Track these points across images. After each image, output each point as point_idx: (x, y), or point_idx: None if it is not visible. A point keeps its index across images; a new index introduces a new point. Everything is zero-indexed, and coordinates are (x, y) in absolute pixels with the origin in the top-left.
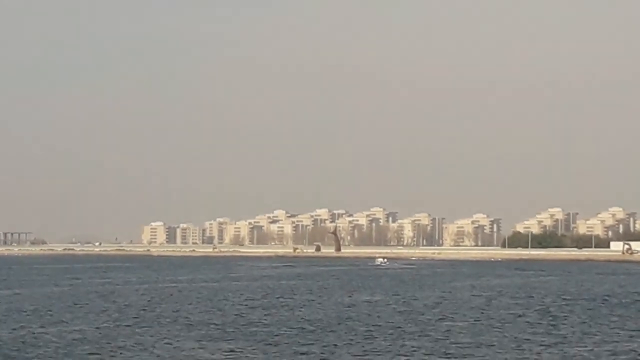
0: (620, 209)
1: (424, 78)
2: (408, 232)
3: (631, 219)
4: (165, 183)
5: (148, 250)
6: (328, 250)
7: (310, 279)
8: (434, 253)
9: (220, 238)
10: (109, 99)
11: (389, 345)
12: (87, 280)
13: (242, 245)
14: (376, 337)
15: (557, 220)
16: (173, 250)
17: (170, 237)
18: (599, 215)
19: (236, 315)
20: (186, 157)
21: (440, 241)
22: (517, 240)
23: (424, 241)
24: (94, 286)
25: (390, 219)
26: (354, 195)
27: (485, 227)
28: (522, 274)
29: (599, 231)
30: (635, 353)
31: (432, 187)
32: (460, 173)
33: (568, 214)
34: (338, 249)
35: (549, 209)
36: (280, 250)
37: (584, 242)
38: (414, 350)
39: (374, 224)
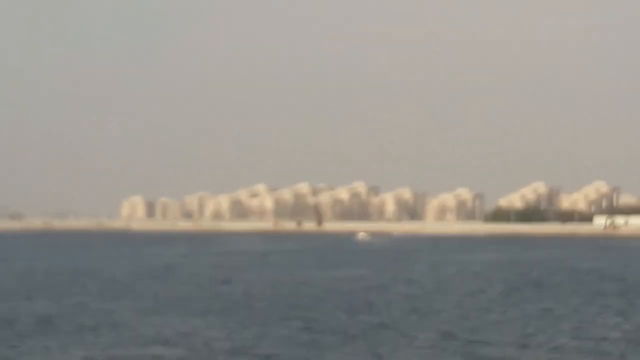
0: (604, 183)
1: (407, 54)
2: (390, 206)
3: (615, 193)
4: (144, 156)
5: (127, 225)
6: (309, 225)
7: (292, 254)
8: (416, 228)
9: (201, 212)
10: (87, 69)
11: (371, 323)
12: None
13: (222, 219)
14: (358, 313)
15: (540, 195)
16: (153, 225)
17: (150, 211)
18: (583, 190)
19: (217, 290)
20: (164, 130)
21: (423, 216)
22: (500, 215)
23: (406, 216)
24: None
25: (373, 193)
26: (336, 169)
27: (467, 202)
28: (508, 249)
29: (582, 205)
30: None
31: (415, 162)
32: (442, 147)
33: (551, 188)
34: (319, 224)
35: (532, 183)
36: (261, 225)
37: (567, 216)
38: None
39: (355, 198)
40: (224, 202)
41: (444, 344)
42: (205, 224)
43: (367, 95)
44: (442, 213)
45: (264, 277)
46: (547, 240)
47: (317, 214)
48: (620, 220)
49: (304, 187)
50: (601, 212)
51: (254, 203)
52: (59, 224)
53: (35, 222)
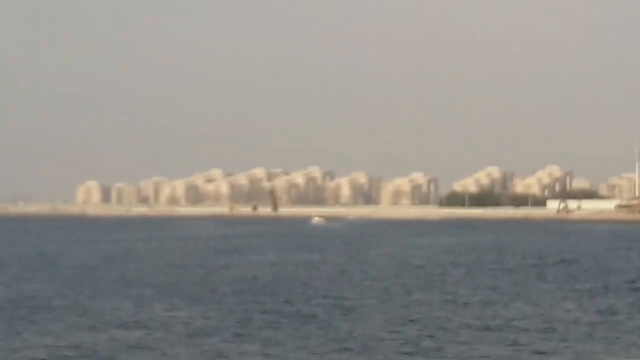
0: (557, 168)
1: (364, 37)
2: (345, 190)
3: (568, 177)
4: (99, 142)
5: (83, 210)
6: (265, 210)
7: (248, 238)
8: (371, 212)
9: (156, 197)
10: (41, 55)
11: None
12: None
13: (178, 204)
14: (314, 296)
15: (494, 179)
16: (108, 210)
17: (105, 196)
18: (536, 174)
19: (176, 275)
20: (119, 114)
21: (378, 200)
22: (454, 199)
23: (361, 200)
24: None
25: (328, 177)
26: (291, 154)
27: (422, 186)
28: (462, 233)
29: (535, 190)
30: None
31: (370, 146)
32: (397, 132)
33: (505, 173)
34: (275, 208)
35: (486, 168)
36: (217, 210)
37: (520, 200)
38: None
39: (311, 183)
40: (179, 187)
41: (403, 328)
42: (161, 209)
43: (321, 82)
44: (397, 197)
45: (221, 261)
46: (501, 224)
47: (273, 199)
48: (573, 204)
49: (259, 172)
50: (554, 196)
51: (210, 188)
52: (13, 209)
53: None
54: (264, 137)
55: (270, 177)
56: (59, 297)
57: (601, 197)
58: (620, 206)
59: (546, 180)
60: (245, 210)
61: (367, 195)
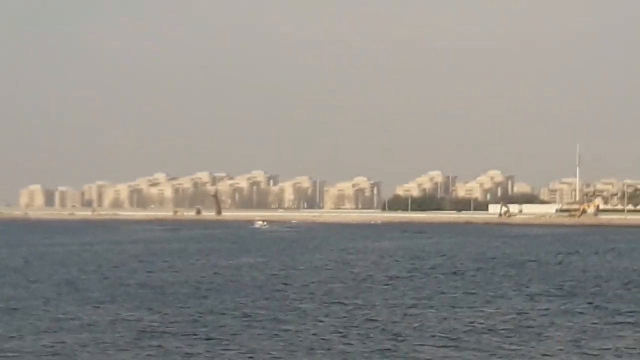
0: (499, 173)
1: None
2: (289, 195)
3: (509, 182)
4: (43, 146)
5: (26, 213)
6: (209, 214)
7: (192, 242)
8: (314, 216)
9: (100, 201)
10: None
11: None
12: None
13: (122, 208)
14: (258, 299)
15: (437, 184)
16: (52, 214)
17: (49, 200)
18: (478, 179)
19: (117, 277)
20: (64, 118)
21: (321, 204)
22: (397, 203)
23: (305, 204)
24: None
25: (272, 182)
26: (235, 158)
27: (365, 191)
28: (406, 237)
29: (478, 194)
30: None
31: (313, 151)
32: (340, 137)
33: (448, 178)
34: (219, 213)
35: (429, 172)
36: (161, 214)
37: (463, 205)
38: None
39: (255, 187)
40: (123, 191)
41: (346, 331)
42: (105, 212)
43: (263, 87)
44: (340, 202)
45: (164, 264)
46: (444, 228)
47: (217, 203)
48: (514, 208)
49: (203, 176)
50: (496, 200)
51: (154, 192)
52: None
53: None
54: (208, 142)
55: (215, 181)
56: (3, 300)
57: (542, 202)
58: (561, 211)
59: (488, 185)
60: (189, 214)
61: (310, 200)
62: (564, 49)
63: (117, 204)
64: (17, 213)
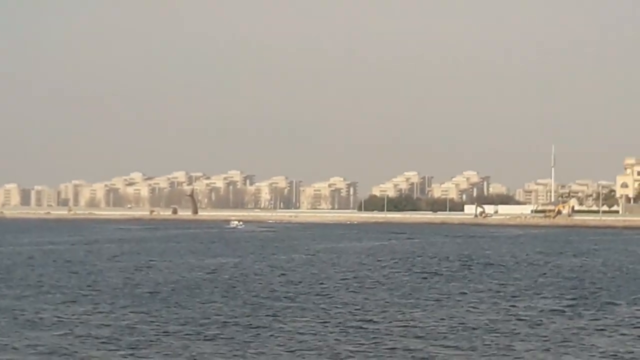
0: (475, 173)
1: (280, 40)
2: (265, 195)
3: (485, 183)
4: (19, 145)
5: (1, 212)
6: (185, 213)
7: (168, 241)
8: (290, 216)
9: (76, 200)
10: None
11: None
12: None
13: (98, 207)
14: (234, 298)
15: (412, 184)
16: (27, 213)
17: (25, 199)
18: (454, 179)
19: (95, 277)
20: (41, 116)
21: (298, 204)
22: (373, 203)
23: (281, 204)
24: None
25: (248, 181)
26: (211, 158)
27: (342, 191)
28: (381, 237)
29: (453, 194)
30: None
31: (289, 151)
32: (316, 136)
33: (424, 178)
34: (195, 212)
35: (405, 173)
36: (137, 213)
37: (439, 205)
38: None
39: (231, 187)
40: (99, 190)
41: (323, 329)
42: (81, 212)
43: (239, 85)
44: (316, 201)
45: (139, 263)
46: (420, 228)
47: (193, 202)
48: (490, 209)
49: (179, 176)
50: (472, 201)
51: (130, 191)
52: None
53: None
54: (184, 141)
55: (191, 180)
56: None
57: (517, 203)
58: (536, 211)
59: (464, 185)
60: (165, 213)
61: (287, 200)
62: (539, 53)
63: (93, 203)
64: None
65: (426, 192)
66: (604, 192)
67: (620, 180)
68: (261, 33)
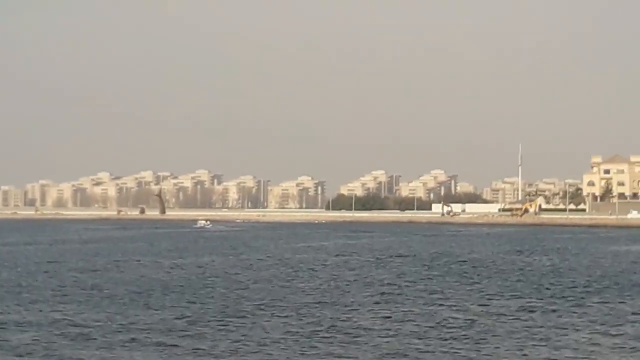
0: (442, 172)
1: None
2: (233, 194)
3: (452, 182)
4: None
5: None
6: (153, 213)
7: (136, 241)
8: (258, 215)
9: (43, 200)
10: None
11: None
12: None
13: (66, 207)
14: (201, 298)
15: (380, 183)
16: None
17: None
18: (421, 178)
19: (65, 278)
20: (5, 117)
21: (265, 203)
22: (341, 202)
23: (249, 203)
24: None
25: (216, 181)
26: (179, 157)
27: (309, 190)
28: (348, 236)
29: (421, 193)
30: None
31: (257, 150)
32: (285, 135)
33: (391, 177)
34: (163, 212)
35: (373, 172)
36: (104, 213)
37: (406, 204)
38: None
39: (199, 186)
40: (66, 190)
41: (299, 330)
42: (48, 212)
43: (208, 85)
44: (284, 201)
45: (108, 263)
46: (387, 227)
47: (160, 202)
48: (457, 207)
49: (147, 176)
50: (439, 199)
51: (98, 191)
52: None
53: None
54: (152, 141)
55: (158, 180)
56: None
57: (485, 201)
58: (503, 210)
59: (431, 184)
60: (133, 213)
61: (255, 199)
62: (506, 53)
63: (60, 203)
64: None
65: (394, 191)
66: (570, 190)
67: (586, 178)
68: (228, 31)
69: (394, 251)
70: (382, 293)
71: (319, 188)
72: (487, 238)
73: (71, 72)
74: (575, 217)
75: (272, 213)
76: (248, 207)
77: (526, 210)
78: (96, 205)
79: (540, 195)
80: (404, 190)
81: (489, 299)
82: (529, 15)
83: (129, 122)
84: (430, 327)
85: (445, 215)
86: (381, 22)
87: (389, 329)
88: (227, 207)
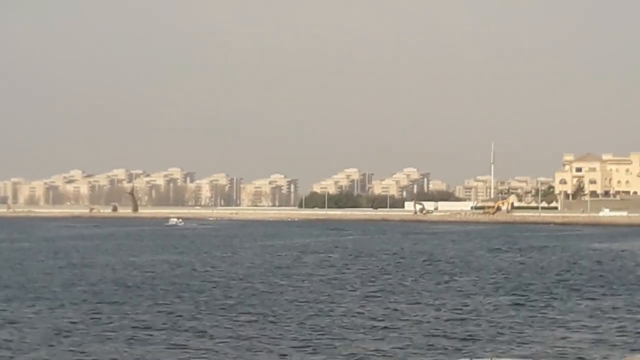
0: (415, 170)
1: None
2: (206, 192)
3: (425, 179)
4: None
5: None
6: (125, 211)
7: (108, 239)
8: (231, 213)
9: (15, 198)
10: None
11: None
12: None
13: (38, 205)
14: (179, 294)
15: (353, 181)
16: None
17: None
18: (394, 176)
19: (36, 275)
20: None
21: (238, 201)
22: (314, 200)
23: (222, 201)
24: None
25: (188, 179)
26: (152, 155)
27: (282, 188)
28: (323, 234)
29: (394, 191)
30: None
31: (229, 148)
32: (257, 134)
33: (364, 175)
34: (135, 209)
35: (345, 170)
36: (77, 211)
37: (379, 202)
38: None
39: (171, 184)
40: (38, 188)
41: (265, 325)
42: (20, 209)
43: (181, 83)
44: (257, 199)
45: (81, 261)
46: (360, 225)
47: (133, 200)
48: (430, 205)
49: (119, 173)
50: (412, 197)
51: (70, 189)
52: None
53: None
54: (124, 139)
55: (131, 178)
56: None
57: (457, 199)
58: (476, 208)
59: (404, 182)
60: (105, 211)
61: (227, 197)
62: (477, 53)
63: (32, 201)
64: None
65: (367, 189)
66: (542, 188)
67: (558, 176)
68: (203, 31)
69: (367, 249)
70: (365, 294)
71: (292, 186)
72: (459, 236)
73: (42, 70)
74: (547, 215)
75: (244, 211)
76: (221, 205)
77: (498, 208)
78: (68, 203)
79: (512, 193)
80: (377, 188)
81: (463, 297)
82: (493, 17)
83: (101, 120)
84: (409, 324)
85: (418, 213)
86: (349, 23)
87: (372, 327)
88: (200, 205)
